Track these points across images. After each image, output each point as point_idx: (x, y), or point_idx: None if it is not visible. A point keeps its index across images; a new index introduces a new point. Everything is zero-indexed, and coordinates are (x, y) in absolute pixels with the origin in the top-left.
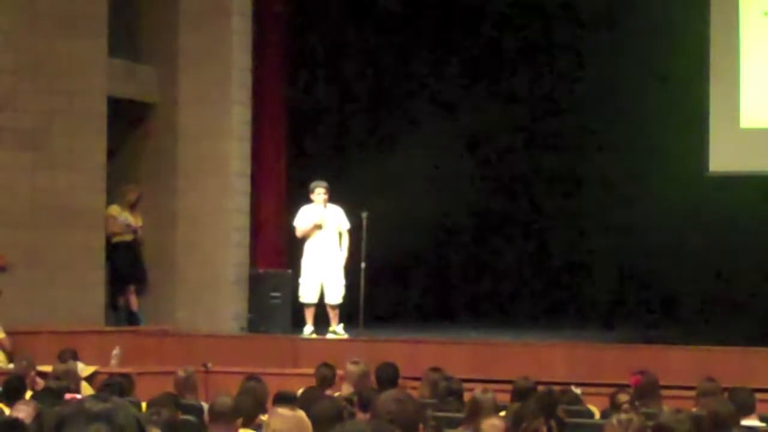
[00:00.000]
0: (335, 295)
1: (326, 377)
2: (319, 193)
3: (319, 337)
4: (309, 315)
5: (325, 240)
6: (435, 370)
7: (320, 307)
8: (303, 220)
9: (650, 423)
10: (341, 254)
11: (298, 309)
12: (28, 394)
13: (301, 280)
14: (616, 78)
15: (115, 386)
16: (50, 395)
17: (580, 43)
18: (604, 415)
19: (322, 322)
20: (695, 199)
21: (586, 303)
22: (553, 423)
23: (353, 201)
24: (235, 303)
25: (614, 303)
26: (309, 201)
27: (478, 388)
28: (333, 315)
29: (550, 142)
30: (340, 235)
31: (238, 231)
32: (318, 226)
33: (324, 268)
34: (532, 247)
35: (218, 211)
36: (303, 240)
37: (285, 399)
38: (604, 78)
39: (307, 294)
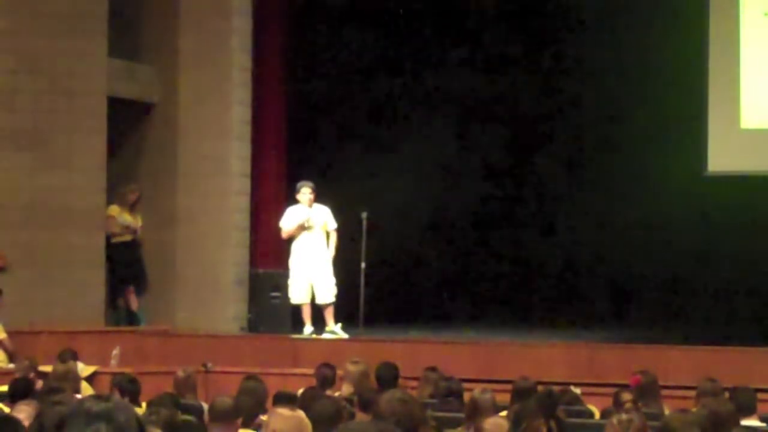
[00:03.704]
0: (325, 294)
1: (327, 377)
2: (304, 193)
3: (319, 337)
4: (306, 315)
5: (311, 240)
6: (432, 369)
7: (318, 307)
8: (288, 220)
9: (651, 423)
10: (328, 253)
11: (298, 309)
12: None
13: (289, 281)
14: (616, 77)
15: (121, 388)
16: (49, 395)
17: (579, 43)
18: (604, 415)
19: (322, 322)
20: (695, 199)
21: (586, 303)
22: (553, 423)
23: (353, 201)
24: (235, 303)
25: (614, 303)
26: None
27: (477, 388)
28: (327, 314)
29: (549, 143)
30: (328, 234)
31: (238, 231)
32: (302, 227)
33: (312, 268)
34: (532, 247)
35: (218, 211)
36: (291, 240)
37: (285, 399)
38: (603, 78)
39: (296, 294)
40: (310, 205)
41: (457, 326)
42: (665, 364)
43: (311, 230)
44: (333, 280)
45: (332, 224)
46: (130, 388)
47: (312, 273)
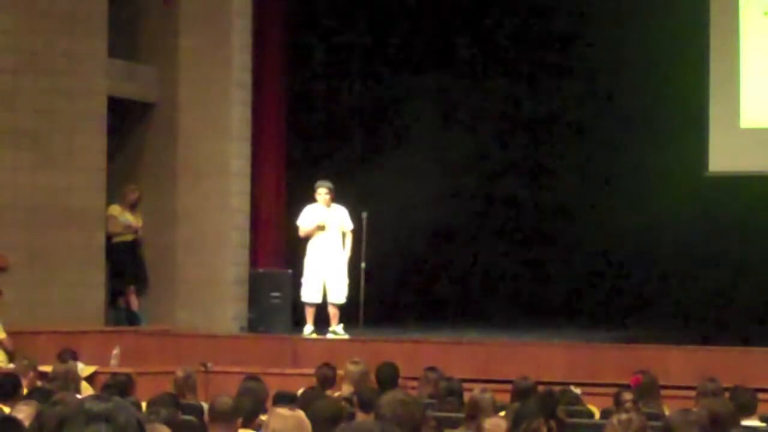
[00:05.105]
0: (339, 294)
1: (327, 377)
2: (320, 193)
3: (319, 337)
4: (309, 315)
5: (327, 240)
6: (432, 369)
7: (320, 307)
8: (305, 220)
9: (651, 423)
10: (344, 254)
11: (298, 309)
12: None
13: (303, 280)
14: (616, 78)
15: (117, 386)
16: (45, 395)
17: (580, 43)
18: (604, 415)
19: (322, 322)
20: (695, 199)
21: (587, 303)
22: (553, 423)
23: (353, 201)
24: (235, 303)
25: (614, 303)
26: (309, 200)
27: (477, 388)
28: (333, 315)
29: (550, 143)
30: (344, 235)
31: (238, 231)
32: (320, 227)
33: (326, 268)
34: (532, 247)
35: (218, 211)
36: (306, 239)
37: (285, 399)
38: (603, 78)
39: (309, 294)
40: (328, 205)
41: (457, 326)
42: (665, 364)
43: (327, 230)
44: (347, 281)
45: (348, 225)
46: (122, 389)
47: (326, 273)
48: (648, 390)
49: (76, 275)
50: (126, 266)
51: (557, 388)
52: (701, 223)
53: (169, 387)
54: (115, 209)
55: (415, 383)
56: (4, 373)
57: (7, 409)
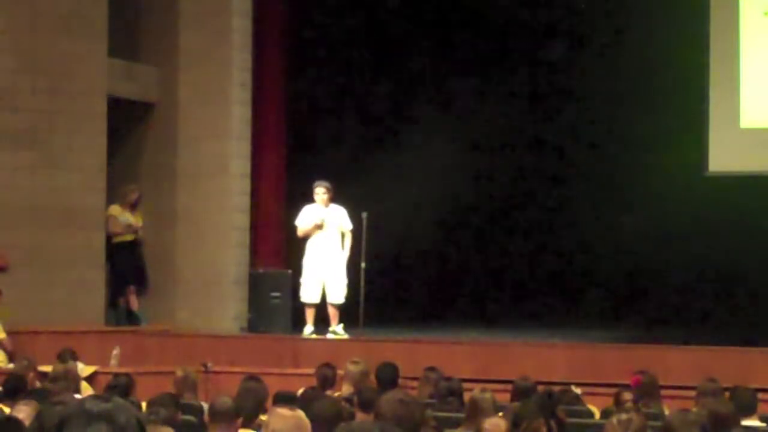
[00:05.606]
0: (337, 294)
1: (327, 377)
2: (318, 193)
3: (319, 337)
4: (309, 315)
5: (326, 240)
6: (432, 369)
7: (320, 307)
8: (304, 219)
9: (651, 423)
10: (343, 254)
11: (298, 309)
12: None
13: (302, 280)
14: (616, 78)
15: (120, 387)
16: (44, 396)
17: (580, 43)
18: (604, 415)
19: (322, 322)
20: (695, 199)
21: (587, 303)
22: (553, 423)
23: (353, 201)
24: (235, 303)
25: (614, 303)
26: (309, 201)
27: (477, 388)
28: (333, 315)
29: (550, 142)
30: (343, 235)
31: (238, 231)
32: (318, 227)
33: (325, 268)
34: (532, 247)
35: (218, 211)
36: (305, 239)
37: (285, 399)
38: (603, 78)
39: (308, 294)
40: (326, 205)
41: (457, 326)
42: (665, 364)
43: (326, 230)
44: (345, 281)
45: (347, 225)
46: (124, 389)
47: (325, 273)
48: (648, 390)
49: (76, 275)
50: (126, 266)
51: (557, 388)
52: (701, 223)
53: (169, 387)
54: (115, 209)
55: (415, 383)
56: (8, 373)
57: (8, 410)
